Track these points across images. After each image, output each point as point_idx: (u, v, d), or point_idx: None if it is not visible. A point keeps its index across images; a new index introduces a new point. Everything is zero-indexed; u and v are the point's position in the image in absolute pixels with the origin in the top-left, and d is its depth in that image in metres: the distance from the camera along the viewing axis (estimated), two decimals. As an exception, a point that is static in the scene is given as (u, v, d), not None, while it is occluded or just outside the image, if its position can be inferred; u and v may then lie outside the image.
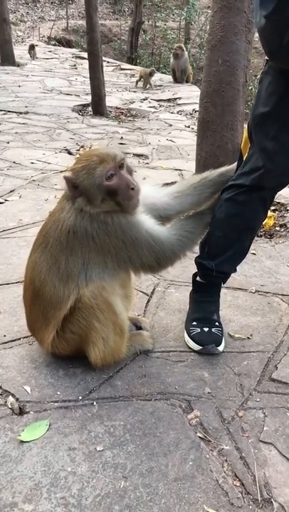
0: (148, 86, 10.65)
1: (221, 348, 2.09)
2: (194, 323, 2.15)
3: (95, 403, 1.79)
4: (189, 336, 2.13)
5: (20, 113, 7.43)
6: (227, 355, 2.09)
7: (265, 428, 1.71)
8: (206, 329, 2.11)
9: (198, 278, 2.23)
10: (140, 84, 10.81)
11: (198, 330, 2.11)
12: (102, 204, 1.79)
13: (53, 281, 1.83)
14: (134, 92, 10.31)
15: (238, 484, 1.50)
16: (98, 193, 1.77)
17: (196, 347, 2.08)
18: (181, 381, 1.92)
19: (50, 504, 1.41)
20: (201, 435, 1.66)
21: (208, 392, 1.86)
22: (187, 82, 11.43)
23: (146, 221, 1.87)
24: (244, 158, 2.00)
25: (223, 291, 2.28)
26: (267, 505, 1.44)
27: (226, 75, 3.34)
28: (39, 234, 1.92)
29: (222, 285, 2.26)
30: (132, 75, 12.93)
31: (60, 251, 1.82)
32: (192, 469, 1.54)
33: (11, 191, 4.05)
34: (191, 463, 1.56)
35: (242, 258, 2.19)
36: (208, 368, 2.00)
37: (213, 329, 2.12)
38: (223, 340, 2.12)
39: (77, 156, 1.92)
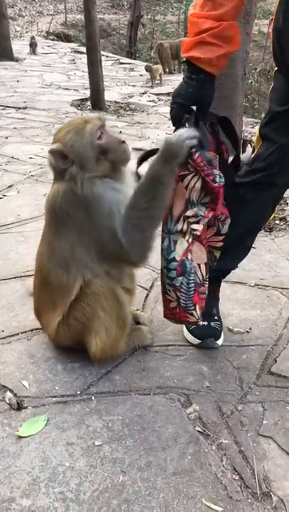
0: (156, 81, 10.49)
1: (219, 342, 2.08)
2: (193, 317, 2.13)
3: (93, 398, 1.78)
4: (188, 329, 2.12)
5: (19, 108, 7.40)
6: (226, 349, 2.08)
7: (264, 422, 1.70)
8: (205, 323, 2.10)
9: None
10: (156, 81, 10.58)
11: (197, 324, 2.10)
12: (97, 166, 1.75)
13: (55, 269, 1.85)
14: (133, 86, 10.26)
15: (237, 478, 1.49)
16: (92, 153, 1.73)
17: (195, 341, 2.07)
18: (180, 375, 1.91)
19: (49, 499, 1.41)
20: (199, 429, 1.66)
21: (207, 386, 1.86)
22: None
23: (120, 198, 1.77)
24: (253, 155, 1.97)
25: (222, 285, 2.26)
26: (266, 499, 1.43)
27: (224, 68, 3.31)
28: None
29: (222, 280, 2.25)
30: (131, 69, 12.88)
31: (53, 236, 1.84)
32: (191, 463, 1.53)
33: (9, 186, 4.03)
34: (189, 457, 1.55)
35: (245, 255, 2.17)
36: (207, 362, 1.99)
37: (212, 323, 2.11)
38: (222, 334, 2.12)
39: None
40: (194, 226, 1.76)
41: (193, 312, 1.82)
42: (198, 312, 1.83)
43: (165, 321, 2.23)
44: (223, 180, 1.74)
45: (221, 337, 2.10)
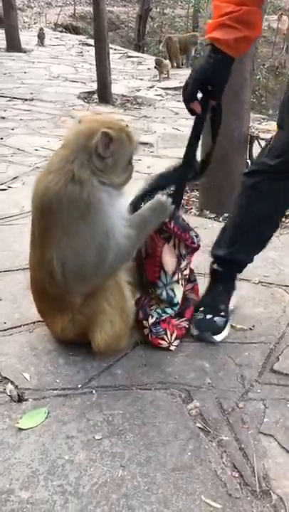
0: (164, 75, 10.43)
1: (218, 338, 2.07)
2: (201, 308, 2.14)
3: (94, 391, 1.78)
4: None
5: (26, 100, 7.38)
6: (228, 345, 2.07)
7: (265, 420, 1.69)
8: (208, 316, 2.10)
9: (214, 265, 2.21)
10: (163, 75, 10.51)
11: (202, 316, 2.11)
12: (123, 173, 1.80)
13: (47, 279, 1.81)
14: (141, 79, 10.22)
15: (236, 475, 1.49)
16: (127, 158, 1.80)
17: (195, 331, 2.09)
18: (182, 371, 1.90)
19: (47, 492, 1.40)
20: (200, 425, 1.65)
21: (209, 383, 1.85)
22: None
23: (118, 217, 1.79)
24: (269, 145, 1.97)
25: (225, 281, 2.26)
26: (265, 497, 1.42)
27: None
28: None
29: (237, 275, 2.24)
30: (140, 63, 12.82)
31: (41, 240, 1.79)
32: (191, 460, 1.53)
33: (14, 178, 4.03)
34: (189, 453, 1.55)
35: (259, 248, 2.16)
36: (209, 358, 1.98)
37: (215, 318, 2.10)
38: (224, 331, 2.10)
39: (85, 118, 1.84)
40: (184, 272, 2.04)
41: (164, 336, 1.98)
42: (170, 337, 1.99)
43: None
44: (199, 238, 2.00)
45: (221, 334, 2.09)
